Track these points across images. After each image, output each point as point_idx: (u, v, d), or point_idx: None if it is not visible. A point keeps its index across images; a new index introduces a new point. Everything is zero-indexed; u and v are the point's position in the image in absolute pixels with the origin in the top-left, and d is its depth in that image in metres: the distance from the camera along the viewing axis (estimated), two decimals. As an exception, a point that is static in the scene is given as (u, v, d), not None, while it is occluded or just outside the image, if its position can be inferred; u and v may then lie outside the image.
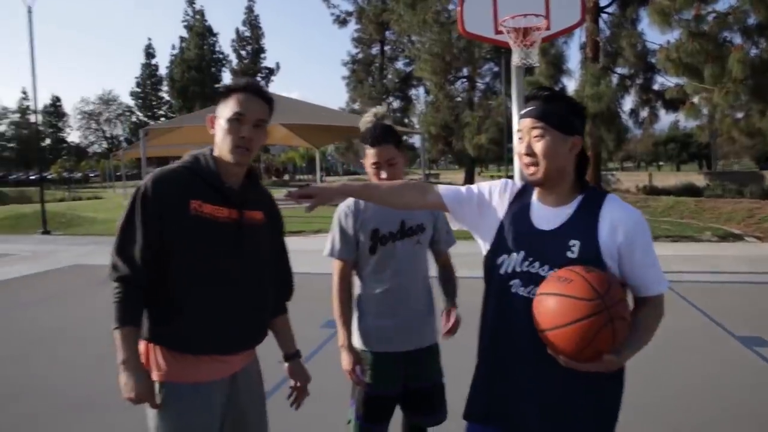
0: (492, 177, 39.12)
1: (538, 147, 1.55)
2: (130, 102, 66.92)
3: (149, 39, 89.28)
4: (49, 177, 49.14)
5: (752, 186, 18.48)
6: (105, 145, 68.55)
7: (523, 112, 1.61)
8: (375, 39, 38.32)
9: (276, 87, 67.14)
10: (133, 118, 66.24)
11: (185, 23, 58.72)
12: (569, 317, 1.37)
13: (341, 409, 2.50)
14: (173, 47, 59.22)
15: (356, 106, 37.95)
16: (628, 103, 19.87)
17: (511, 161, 11.90)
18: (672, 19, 12.61)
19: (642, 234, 1.54)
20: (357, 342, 2.30)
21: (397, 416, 2.37)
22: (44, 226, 15.04)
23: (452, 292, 2.40)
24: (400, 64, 38.57)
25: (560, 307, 1.38)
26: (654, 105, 17.79)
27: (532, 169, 1.57)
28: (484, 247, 1.71)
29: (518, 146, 1.61)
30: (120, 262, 1.66)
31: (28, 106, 62.39)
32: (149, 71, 65.19)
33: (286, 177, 56.25)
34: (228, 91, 1.76)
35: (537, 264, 1.54)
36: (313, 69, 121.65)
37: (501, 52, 24.41)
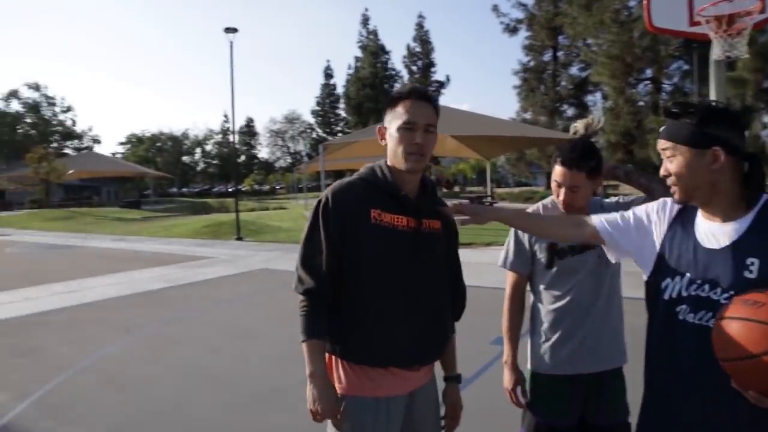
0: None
1: (672, 168, 1.47)
2: (311, 120, 72.43)
3: (328, 61, 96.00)
4: (243, 189, 54.92)
5: None
6: (289, 159, 74.96)
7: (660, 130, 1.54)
8: (547, 45, 36.98)
9: (446, 100, 68.10)
10: (314, 135, 71.46)
11: (360, 44, 62.18)
12: (761, 346, 1.18)
13: (511, 433, 2.35)
14: (349, 67, 62.97)
15: (527, 115, 36.92)
16: None
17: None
18: None
19: None
20: (528, 362, 2.15)
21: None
22: (238, 233, 16.78)
23: None
24: (574, 70, 36.80)
25: (751, 333, 1.19)
26: None
27: (673, 189, 1.49)
28: (645, 272, 1.57)
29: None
30: (305, 275, 1.69)
31: (228, 128, 70.84)
32: (328, 90, 69.98)
33: (457, 188, 56.50)
34: (394, 100, 1.74)
35: (707, 287, 1.39)
36: (483, 80, 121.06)
37: (692, 48, 22.13)
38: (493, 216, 1.76)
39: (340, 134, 62.62)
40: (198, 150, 75.09)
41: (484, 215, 1.71)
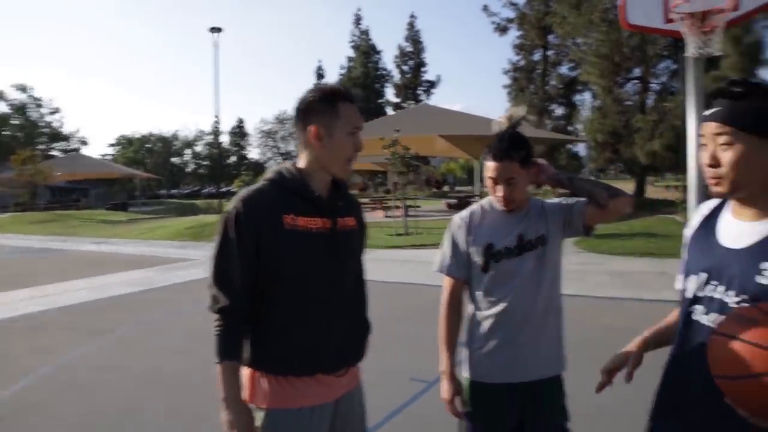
0: (667, 187, 35.58)
1: (726, 157, 1.28)
2: (303, 120, 72.10)
3: (319, 61, 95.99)
4: (233, 190, 54.72)
5: None
6: (279, 160, 74.63)
7: (706, 113, 1.34)
8: (537, 44, 36.98)
9: (437, 99, 68.22)
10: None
11: (352, 43, 62.16)
12: (752, 368, 1.11)
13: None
14: (341, 67, 62.96)
15: (517, 114, 36.87)
16: None
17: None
18: None
19: None
20: (465, 370, 2.06)
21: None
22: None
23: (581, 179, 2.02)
24: (563, 69, 36.75)
25: (737, 353, 1.14)
26: None
27: (715, 180, 1.32)
28: None
29: (701, 155, 1.36)
30: (219, 293, 1.62)
31: (218, 128, 70.55)
32: (319, 91, 69.79)
33: (446, 188, 56.61)
34: (333, 100, 1.67)
35: (722, 288, 1.30)
36: (475, 79, 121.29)
37: (679, 47, 22.13)
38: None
39: (331, 134, 62.45)
40: (188, 151, 74.66)
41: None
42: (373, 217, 21.78)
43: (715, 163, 1.30)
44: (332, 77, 62.91)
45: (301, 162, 1.72)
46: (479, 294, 2.03)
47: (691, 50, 5.07)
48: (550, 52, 37.17)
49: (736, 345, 1.15)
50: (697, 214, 1.51)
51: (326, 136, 1.65)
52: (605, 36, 23.71)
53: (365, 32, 61.95)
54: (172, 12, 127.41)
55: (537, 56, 37.84)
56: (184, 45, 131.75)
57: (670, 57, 25.61)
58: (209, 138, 74.54)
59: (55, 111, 61.28)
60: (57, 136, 61.62)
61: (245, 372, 1.66)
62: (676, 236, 10.07)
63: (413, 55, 58.20)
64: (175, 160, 73.39)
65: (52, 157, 49.00)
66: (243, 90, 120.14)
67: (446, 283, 2.10)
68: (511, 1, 37.20)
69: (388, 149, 15.06)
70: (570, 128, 35.30)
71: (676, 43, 22.66)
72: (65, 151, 58.80)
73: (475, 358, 2.02)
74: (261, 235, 1.60)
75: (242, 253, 1.59)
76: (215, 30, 17.70)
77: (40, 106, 59.39)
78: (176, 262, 12.17)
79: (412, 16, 62.93)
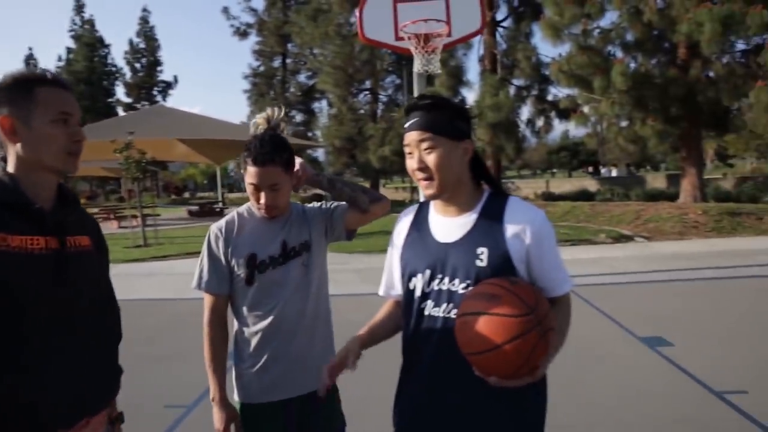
0: (396, 189, 39.57)
1: (431, 159, 1.47)
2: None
3: (30, 49, 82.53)
4: None
5: (636, 189, 19.82)
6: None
7: (408, 124, 1.51)
8: (276, 51, 37.67)
9: (175, 101, 64.49)
10: None
11: (72, 33, 55.16)
12: (502, 337, 1.27)
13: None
14: (59, 58, 55.45)
15: (258, 119, 37.02)
16: (525, 113, 20.78)
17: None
18: (562, 33, 13.27)
19: (549, 233, 1.51)
20: (235, 394, 1.94)
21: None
22: None
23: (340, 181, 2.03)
24: (302, 77, 38.16)
25: (490, 327, 1.28)
26: (548, 114, 18.71)
27: (426, 183, 1.49)
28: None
29: (409, 162, 1.52)
30: None
31: None
32: (30, 85, 60.44)
33: (186, 195, 54.04)
34: (28, 86, 1.36)
35: (446, 280, 1.48)
36: (214, 82, 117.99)
37: (402, 65, 24.75)
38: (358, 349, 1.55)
39: (47, 135, 54.50)
40: None
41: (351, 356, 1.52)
42: (106, 228, 19.65)
43: (423, 166, 1.47)
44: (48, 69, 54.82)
45: (10, 165, 1.38)
46: (244, 309, 1.90)
47: (417, 66, 5.73)
48: (289, 60, 38.19)
49: (485, 320, 1.28)
50: (401, 222, 1.67)
51: (23, 128, 1.34)
52: (339, 48, 25.28)
53: (89, 22, 55.52)
54: None
55: (277, 63, 38.54)
56: None
57: (395, 72, 28.49)
58: None
59: None
60: None
61: None
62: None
63: (146, 53, 54.10)
64: None
65: None
66: None
67: (207, 300, 1.92)
68: (250, 6, 37.20)
69: (121, 153, 13.74)
70: (309, 134, 36.71)
71: (400, 60, 25.33)
72: None
73: (245, 379, 1.91)
74: None
75: None
76: None
77: None
78: None
79: (144, 10, 58.43)
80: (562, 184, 27.06)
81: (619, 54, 14.09)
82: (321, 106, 38.42)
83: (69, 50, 54.67)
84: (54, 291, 1.33)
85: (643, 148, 16.74)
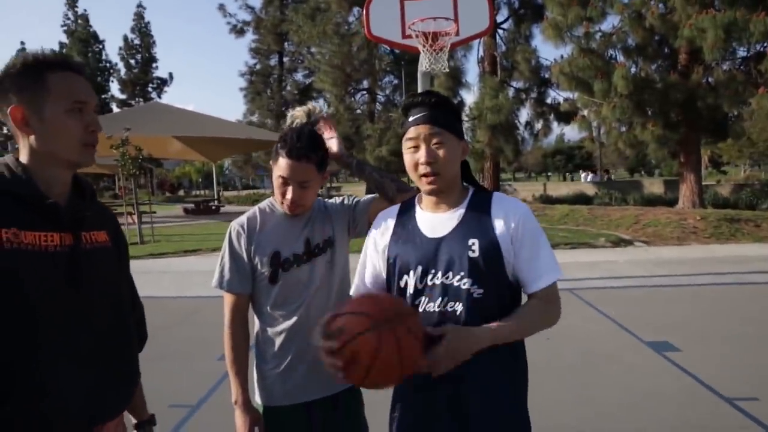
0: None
1: (441, 154, 1.50)
2: None
3: (22, 43, 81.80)
4: None
5: (634, 193, 19.82)
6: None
7: (415, 118, 1.52)
8: (273, 50, 37.48)
9: (170, 98, 64.23)
10: (5, 131, 60.62)
11: (65, 28, 54.88)
12: (365, 360, 1.29)
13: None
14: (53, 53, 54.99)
15: (254, 118, 36.87)
16: (524, 115, 20.77)
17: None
18: (564, 35, 13.22)
19: (530, 222, 1.52)
20: (257, 396, 1.87)
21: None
22: None
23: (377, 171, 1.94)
24: (299, 76, 37.99)
25: (354, 356, 1.30)
26: (547, 118, 18.66)
27: (431, 178, 1.51)
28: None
29: (412, 155, 1.52)
30: None
31: None
32: (24, 79, 60.15)
33: (182, 192, 53.79)
34: (39, 71, 1.27)
35: (440, 274, 1.49)
36: (210, 80, 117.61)
37: (401, 65, 24.69)
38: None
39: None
40: None
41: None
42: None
43: (432, 161, 1.49)
44: (41, 64, 54.43)
45: (23, 157, 1.30)
46: (268, 308, 1.84)
47: (426, 65, 5.66)
48: (286, 58, 38.03)
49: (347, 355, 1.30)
50: (384, 221, 1.66)
51: (35, 119, 1.26)
52: (337, 48, 25.19)
53: (84, 17, 55.24)
54: None
55: (273, 61, 38.36)
56: None
57: (393, 72, 28.42)
58: None
59: None
60: None
61: None
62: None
63: (141, 49, 53.81)
64: None
65: None
66: None
67: (228, 300, 1.85)
68: (247, 4, 37.07)
69: (117, 150, 13.60)
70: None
71: (398, 60, 25.27)
72: None
73: (269, 381, 1.84)
74: None
75: None
76: None
77: None
78: None
79: (139, 6, 58.07)
80: (559, 187, 27.06)
81: (621, 58, 14.07)
82: (318, 106, 38.28)
83: (62, 45, 54.33)
84: (68, 291, 1.25)
85: (642, 152, 16.76)
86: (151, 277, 9.41)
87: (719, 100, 13.04)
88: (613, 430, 3.42)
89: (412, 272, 1.51)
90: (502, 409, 1.48)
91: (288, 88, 37.73)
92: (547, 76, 17.01)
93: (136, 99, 51.26)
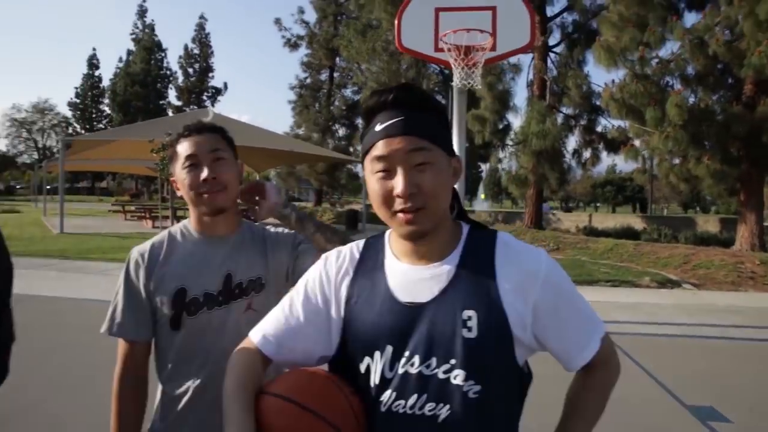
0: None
1: (427, 180, 0.99)
2: (68, 112, 64.25)
3: (94, 49, 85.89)
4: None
5: (686, 231, 18.74)
6: (36, 156, 65.32)
7: (385, 126, 1.00)
8: (324, 65, 37.84)
9: (223, 108, 66.01)
10: (70, 130, 63.32)
11: (134, 36, 57.24)
12: None
13: None
14: (120, 60, 57.54)
15: (301, 131, 37.21)
16: (572, 143, 20.05)
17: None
18: (617, 58, 12.57)
19: (560, 280, 1.05)
20: None
21: None
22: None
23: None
24: (348, 92, 38.22)
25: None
26: (596, 146, 17.90)
27: (411, 216, 0.99)
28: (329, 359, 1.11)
29: (383, 184, 1.01)
30: None
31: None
32: (91, 82, 63.18)
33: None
34: None
35: (417, 359, 0.99)
36: (264, 92, 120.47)
37: (449, 85, 24.39)
38: None
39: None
40: None
41: None
42: (140, 227, 19.85)
43: (414, 191, 0.98)
44: (108, 70, 57.04)
45: None
46: (168, 360, 1.45)
47: (457, 80, 5.25)
48: (336, 74, 38.32)
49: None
50: (335, 264, 1.13)
51: None
52: (386, 65, 25.14)
53: (150, 26, 57.63)
54: None
55: (324, 76, 38.71)
56: None
57: (441, 92, 28.10)
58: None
59: None
60: None
61: None
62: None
63: (200, 58, 55.55)
64: None
65: None
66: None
67: (121, 348, 1.47)
68: (302, 19, 37.59)
69: (158, 153, 13.71)
70: (351, 149, 36.65)
71: (447, 80, 24.95)
72: None
73: None
74: None
75: None
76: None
77: None
78: None
79: (201, 17, 60.03)
80: (605, 219, 26.00)
81: (677, 86, 13.29)
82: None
83: (129, 52, 56.65)
84: None
85: (695, 188, 15.79)
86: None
87: (787, 135, 12.09)
88: None
89: (378, 353, 1.02)
90: None
91: (336, 103, 37.94)
92: (598, 103, 16.33)
93: (191, 106, 52.70)
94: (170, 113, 51.94)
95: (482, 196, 38.51)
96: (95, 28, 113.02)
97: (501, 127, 17.35)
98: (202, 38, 55.85)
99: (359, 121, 37.93)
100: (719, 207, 42.23)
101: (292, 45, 38.89)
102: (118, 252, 12.65)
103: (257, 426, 0.94)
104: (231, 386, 1.02)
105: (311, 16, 37.51)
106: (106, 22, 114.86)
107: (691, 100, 13.17)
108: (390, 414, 0.99)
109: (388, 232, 1.13)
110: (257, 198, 1.53)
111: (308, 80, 38.68)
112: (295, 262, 1.49)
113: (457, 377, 0.97)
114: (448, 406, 0.97)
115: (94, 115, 63.12)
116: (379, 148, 1.00)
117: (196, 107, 51.43)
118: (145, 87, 54.79)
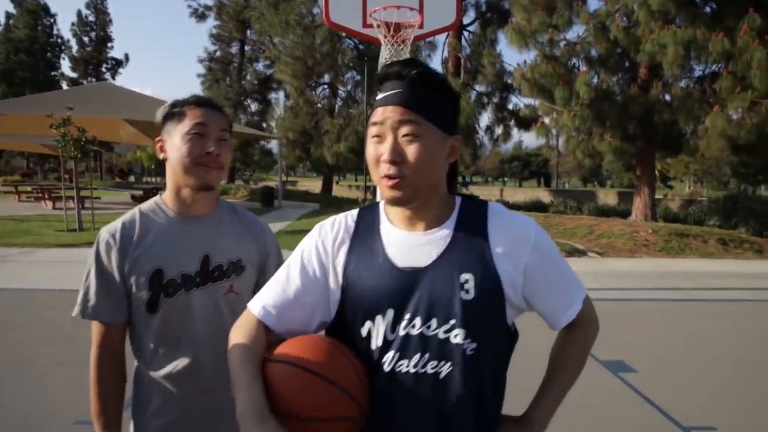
0: (350, 186, 39.12)
1: (412, 151, 1.05)
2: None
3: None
4: None
5: (588, 204, 20.04)
6: None
7: (384, 96, 1.08)
8: (235, 37, 36.49)
9: (125, 80, 62.07)
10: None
11: (12, -2, 52.25)
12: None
13: None
14: (-2, 24, 52.32)
15: (212, 106, 35.89)
16: (484, 119, 20.74)
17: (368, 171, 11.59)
18: (528, 40, 13.12)
19: (546, 245, 1.16)
20: None
21: None
22: None
23: None
24: (260, 66, 37.16)
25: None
26: (508, 123, 18.64)
27: (393, 182, 1.06)
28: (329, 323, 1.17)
29: (375, 147, 1.09)
30: None
31: None
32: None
33: (132, 179, 51.98)
34: None
35: (418, 321, 1.06)
36: (170, 65, 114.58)
37: (364, 61, 24.33)
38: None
39: (-19, 105, 51.46)
40: None
41: None
42: (39, 209, 18.45)
43: (396, 159, 1.06)
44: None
45: None
46: (147, 344, 1.42)
47: (385, 57, 5.32)
48: (247, 47, 37.11)
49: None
50: (332, 233, 1.18)
51: None
52: (300, 39, 24.64)
53: (33, -12, 52.68)
54: None
55: (234, 49, 37.40)
56: None
57: (356, 68, 28.01)
58: None
59: None
60: None
61: None
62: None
63: (96, 26, 51.73)
64: None
65: None
66: None
67: (96, 332, 1.43)
68: (209, -13, 35.99)
69: (57, 129, 12.78)
70: (264, 124, 35.82)
71: (362, 56, 24.89)
72: None
73: None
74: None
75: None
76: None
77: None
78: None
79: (95, -19, 55.66)
80: (515, 193, 27.23)
81: (583, 68, 14.11)
82: (278, 97, 37.49)
83: (9, 15, 51.72)
84: None
85: (598, 163, 16.90)
86: (82, 268, 8.76)
87: (675, 116, 13.21)
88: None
89: (380, 317, 1.08)
90: None
91: (248, 77, 36.84)
92: (510, 81, 16.97)
93: (89, 78, 49.24)
94: (65, 85, 48.22)
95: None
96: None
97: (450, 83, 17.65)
98: (97, 4, 52.06)
99: (272, 96, 37.13)
100: (614, 181, 45.41)
101: (199, 16, 37.24)
102: (17, 236, 11.77)
103: (267, 394, 0.99)
104: (237, 358, 1.06)
105: (219, -15, 35.84)
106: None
107: (595, 80, 14.03)
108: (393, 374, 1.06)
109: (382, 202, 1.19)
110: None
111: (218, 53, 37.25)
112: (265, 264, 1.54)
113: (457, 336, 1.06)
114: (449, 364, 1.06)
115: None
116: (376, 115, 1.08)
117: (94, 80, 48.11)
118: (32, 56, 50.30)
